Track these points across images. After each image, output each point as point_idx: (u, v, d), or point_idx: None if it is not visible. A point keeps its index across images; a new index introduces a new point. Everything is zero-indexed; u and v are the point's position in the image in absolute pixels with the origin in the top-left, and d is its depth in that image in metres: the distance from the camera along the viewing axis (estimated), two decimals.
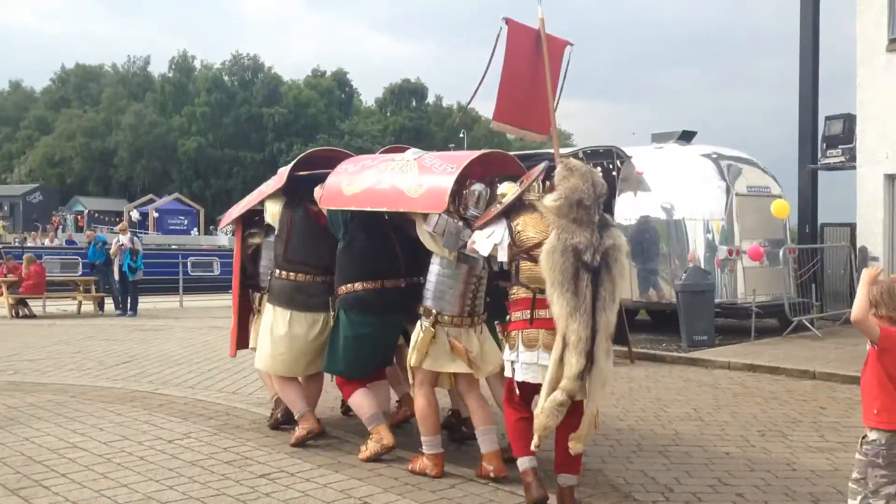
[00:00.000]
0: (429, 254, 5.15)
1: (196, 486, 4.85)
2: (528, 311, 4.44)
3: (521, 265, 4.51)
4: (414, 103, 71.54)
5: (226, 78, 69.85)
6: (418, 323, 5.08)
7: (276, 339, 5.78)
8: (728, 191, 11.70)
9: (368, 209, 5.34)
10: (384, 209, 5.30)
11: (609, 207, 12.63)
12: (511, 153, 6.17)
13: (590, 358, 4.14)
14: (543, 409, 4.17)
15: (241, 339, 6.57)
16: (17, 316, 16.21)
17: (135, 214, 50.75)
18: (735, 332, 11.89)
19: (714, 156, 12.15)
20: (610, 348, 4.29)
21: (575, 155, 11.75)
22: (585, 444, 4.37)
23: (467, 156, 5.30)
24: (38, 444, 5.80)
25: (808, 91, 13.87)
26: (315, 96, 69.39)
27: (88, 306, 17.58)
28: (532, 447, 4.33)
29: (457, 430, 5.88)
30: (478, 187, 5.11)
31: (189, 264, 24.27)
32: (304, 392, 5.92)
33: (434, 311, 5.02)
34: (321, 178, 5.72)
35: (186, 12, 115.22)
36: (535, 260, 4.38)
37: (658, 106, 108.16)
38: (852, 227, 13.02)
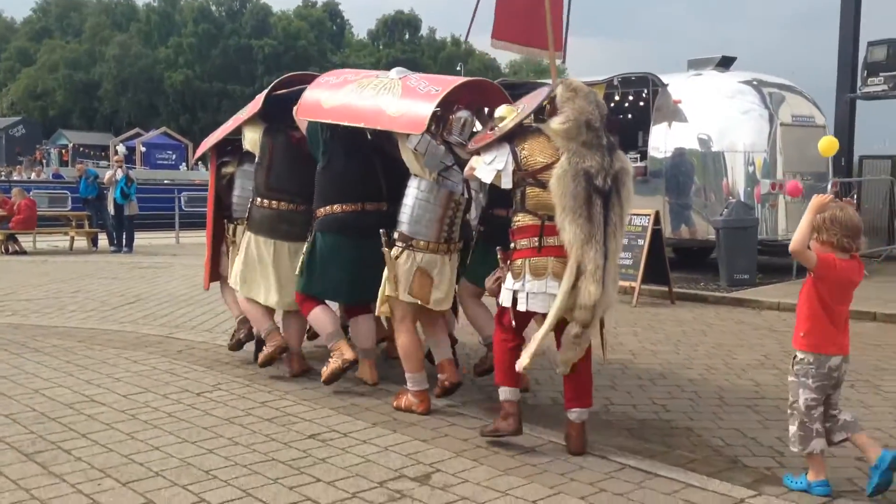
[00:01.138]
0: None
1: (240, 450, 4.18)
2: (537, 239, 4.21)
3: (528, 191, 4.25)
4: (407, 36, 69.75)
5: (213, 8, 67.57)
6: (389, 250, 4.85)
7: (254, 265, 5.66)
8: (771, 120, 10.95)
9: (346, 123, 5.07)
10: (362, 125, 5.04)
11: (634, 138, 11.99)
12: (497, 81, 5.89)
13: (602, 285, 4.02)
14: (564, 343, 4.12)
15: (215, 272, 6.44)
16: (7, 252, 15.47)
17: (121, 149, 49.28)
18: (775, 271, 11.25)
19: (755, 83, 11.35)
20: (617, 275, 4.22)
21: (609, 82, 11.01)
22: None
23: (454, 80, 5.04)
24: (51, 398, 5.12)
25: (849, 13, 13.00)
26: (306, 28, 67.29)
27: (81, 242, 16.85)
28: (519, 367, 4.20)
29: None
30: (463, 114, 4.99)
31: (183, 199, 23.45)
32: (285, 326, 5.80)
33: (407, 235, 4.83)
34: (299, 97, 5.39)
35: None
36: (542, 185, 4.17)
37: (659, 39, 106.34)
38: (893, 160, 12.34)
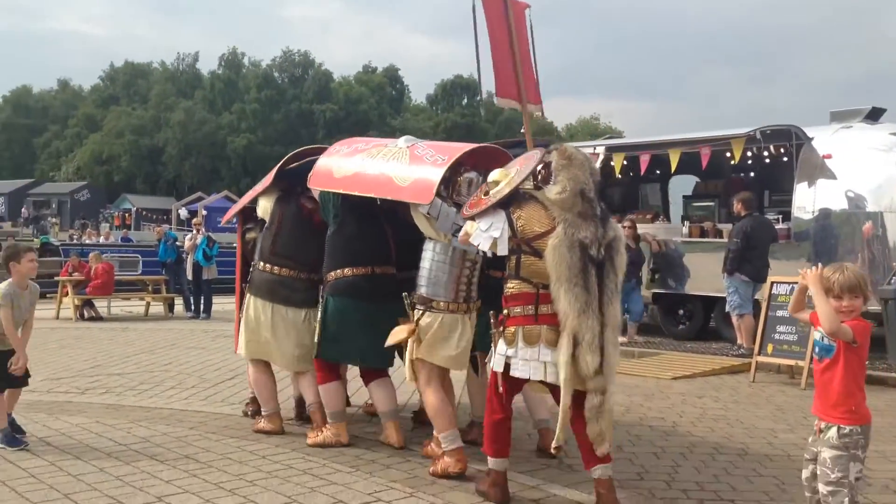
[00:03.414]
0: (422, 246, 5.00)
1: None
2: (532, 307, 4.24)
3: (523, 259, 4.28)
4: (465, 100, 69.81)
5: (276, 74, 68.68)
6: (413, 313, 4.91)
7: (253, 325, 5.77)
8: None
9: (356, 193, 5.22)
10: (372, 195, 5.16)
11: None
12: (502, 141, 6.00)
13: (601, 352, 4.07)
14: (589, 417, 4.12)
15: None
16: (83, 318, 14.79)
17: (183, 212, 49.82)
18: None
19: None
20: (617, 341, 4.25)
21: (752, 135, 9.99)
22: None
23: (460, 147, 5.11)
24: None
25: None
26: (366, 93, 67.87)
27: (155, 308, 16.16)
28: (555, 445, 4.21)
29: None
30: (471, 175, 4.98)
31: None
32: (301, 387, 5.89)
33: (427, 296, 4.88)
34: (310, 169, 5.54)
35: (228, 17, 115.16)
36: (538, 254, 4.21)
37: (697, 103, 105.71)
38: None
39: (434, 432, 4.95)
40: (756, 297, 9.47)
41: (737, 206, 9.66)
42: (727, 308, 9.67)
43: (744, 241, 9.35)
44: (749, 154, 10.74)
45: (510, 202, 4.34)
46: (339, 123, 64.74)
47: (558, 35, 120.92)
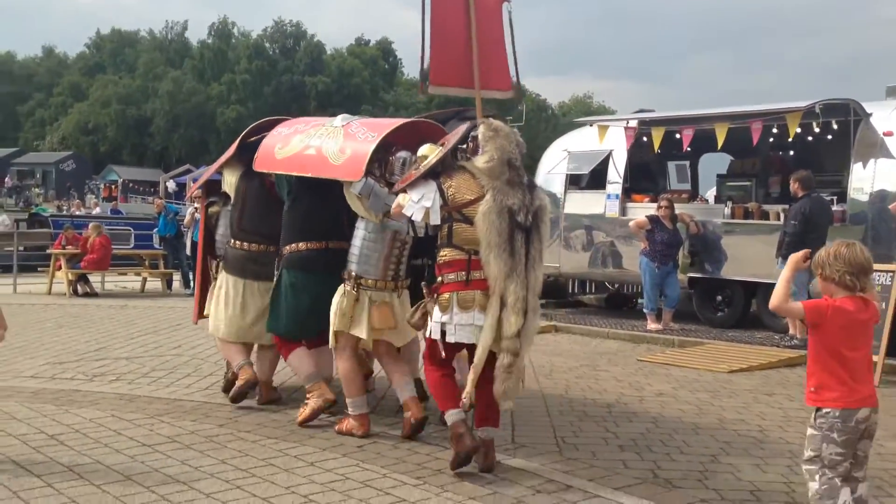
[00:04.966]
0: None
1: None
2: (464, 273, 4.39)
3: (455, 227, 4.44)
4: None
5: (267, 45, 67.29)
6: (340, 287, 5.10)
7: (227, 306, 5.87)
8: None
9: (295, 174, 5.40)
10: (309, 174, 5.31)
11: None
12: (433, 113, 6.15)
13: (525, 315, 4.24)
14: (498, 376, 4.25)
15: (204, 307, 6.51)
16: (77, 294, 14.00)
17: (171, 185, 48.58)
18: None
19: None
20: (538, 305, 4.40)
21: (811, 108, 9.30)
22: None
23: (390, 123, 5.31)
24: None
25: None
26: (359, 65, 66.59)
27: (152, 283, 15.39)
28: (465, 400, 4.36)
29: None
30: (403, 154, 5.10)
31: None
32: (259, 358, 6.02)
33: (356, 274, 5.05)
34: None
35: None
36: (469, 221, 4.36)
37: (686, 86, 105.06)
38: None
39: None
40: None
41: (794, 186, 8.99)
42: None
43: (802, 223, 8.70)
44: (816, 130, 10.04)
45: (440, 173, 4.51)
46: (330, 96, 63.62)
47: (544, 15, 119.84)
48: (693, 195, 11.93)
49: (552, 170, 12.55)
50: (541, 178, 12.78)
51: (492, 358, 4.31)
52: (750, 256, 10.08)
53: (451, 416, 4.45)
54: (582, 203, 12.03)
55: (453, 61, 5.62)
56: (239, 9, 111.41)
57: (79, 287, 14.17)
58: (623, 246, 11.51)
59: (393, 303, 5.13)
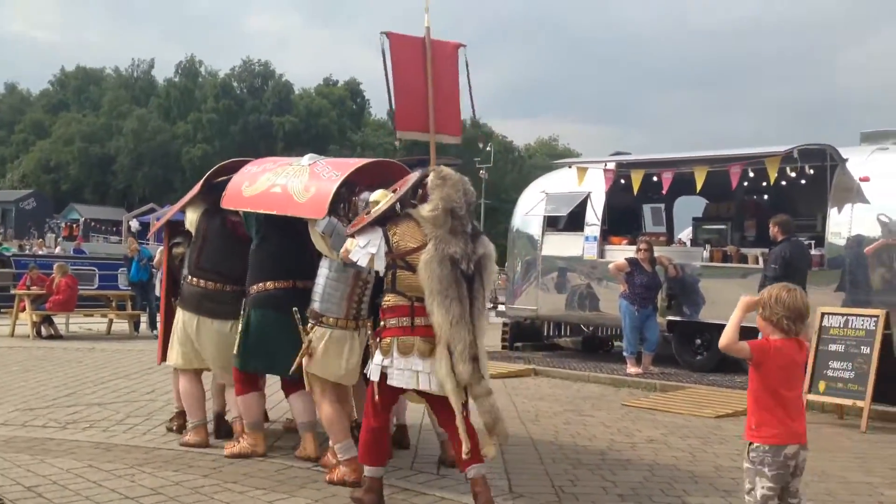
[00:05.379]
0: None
1: None
2: (408, 319, 4.48)
3: (399, 274, 4.53)
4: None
5: (235, 84, 67.21)
6: (303, 327, 5.14)
7: (182, 337, 5.95)
8: None
9: (261, 211, 5.49)
10: (274, 212, 5.39)
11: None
12: (403, 158, 6.23)
13: (475, 361, 4.30)
14: (485, 420, 4.29)
15: (166, 349, 6.40)
16: (41, 336, 13.60)
17: (134, 224, 47.95)
18: None
19: None
20: (484, 349, 4.44)
21: (790, 153, 9.42)
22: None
23: (353, 163, 5.47)
24: None
25: None
26: (327, 105, 66.75)
27: (118, 325, 15.01)
28: (491, 455, 4.38)
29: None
30: (366, 195, 5.16)
31: None
32: (216, 394, 6.24)
33: (318, 312, 5.12)
34: None
35: (185, 26, 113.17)
36: (412, 269, 4.44)
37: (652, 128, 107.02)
38: None
39: (330, 442, 5.19)
40: None
41: (773, 230, 9.04)
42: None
43: (783, 267, 8.72)
44: (792, 175, 10.17)
45: (387, 220, 4.62)
46: (298, 136, 63.59)
47: (515, 55, 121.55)
48: (670, 238, 11.99)
49: (530, 211, 12.57)
50: (518, 220, 12.85)
51: (447, 402, 4.38)
52: (729, 299, 9.96)
53: (371, 470, 4.59)
54: (560, 245, 12.03)
55: (414, 107, 5.79)
56: (207, 47, 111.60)
57: (42, 329, 13.78)
58: (601, 288, 11.51)
59: (352, 344, 5.17)
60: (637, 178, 10.56)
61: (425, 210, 4.47)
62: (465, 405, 4.36)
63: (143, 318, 15.19)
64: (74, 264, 23.53)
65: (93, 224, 55.27)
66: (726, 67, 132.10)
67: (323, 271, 5.18)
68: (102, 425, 6.64)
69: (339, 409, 5.22)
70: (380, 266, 4.55)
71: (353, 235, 4.70)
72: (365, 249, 4.57)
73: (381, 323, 4.58)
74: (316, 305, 5.14)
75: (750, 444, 3.59)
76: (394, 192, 4.86)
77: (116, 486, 4.85)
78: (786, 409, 3.55)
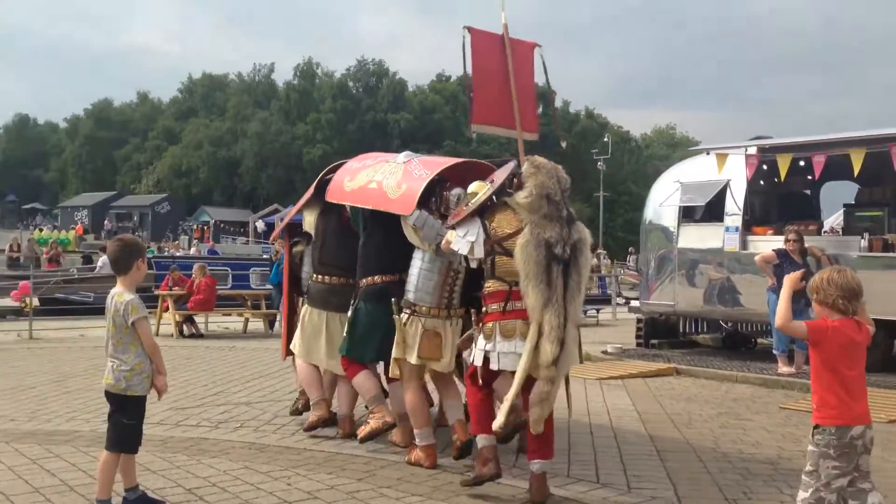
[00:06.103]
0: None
1: None
2: (503, 303, 4.60)
3: (497, 260, 4.68)
4: (541, 109, 68.58)
5: (350, 84, 68.56)
6: (399, 316, 5.29)
7: (309, 333, 6.16)
8: None
9: (359, 206, 5.77)
10: (370, 206, 5.67)
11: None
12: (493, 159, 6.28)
13: (561, 345, 4.39)
14: (532, 401, 4.42)
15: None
16: (183, 335, 14.12)
17: (260, 225, 49.58)
18: None
19: None
20: (577, 335, 4.67)
21: None
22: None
23: (443, 162, 5.80)
24: None
25: None
26: (441, 101, 67.20)
27: (253, 324, 15.41)
28: (495, 427, 4.54)
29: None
30: (457, 191, 5.39)
31: None
32: (339, 392, 6.30)
33: (412, 301, 5.28)
34: None
35: (302, 30, 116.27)
36: (509, 254, 4.59)
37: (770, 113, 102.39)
38: None
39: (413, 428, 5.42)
40: None
41: None
42: None
43: None
44: None
45: (485, 210, 4.83)
46: (413, 133, 64.25)
47: (621, 45, 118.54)
48: (820, 227, 11.27)
49: (664, 202, 12.08)
50: (651, 211, 12.38)
51: (529, 386, 4.50)
52: (891, 292, 9.38)
53: (483, 440, 4.75)
54: (697, 236, 11.50)
55: (491, 101, 5.92)
56: (323, 49, 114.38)
57: (185, 328, 14.32)
58: (743, 282, 10.93)
59: (445, 332, 5.32)
60: (784, 162, 9.95)
61: (520, 196, 4.62)
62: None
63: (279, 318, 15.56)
64: (210, 265, 24.63)
65: (222, 226, 57.44)
66: (844, 51, 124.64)
67: (416, 262, 5.37)
68: (252, 425, 6.73)
69: (423, 398, 5.49)
70: (479, 252, 4.72)
71: (453, 227, 4.89)
72: (465, 238, 4.75)
73: (483, 308, 4.77)
74: (410, 295, 5.34)
75: (815, 427, 3.61)
76: (490, 182, 5.04)
77: (274, 489, 4.84)
78: (846, 389, 3.58)
